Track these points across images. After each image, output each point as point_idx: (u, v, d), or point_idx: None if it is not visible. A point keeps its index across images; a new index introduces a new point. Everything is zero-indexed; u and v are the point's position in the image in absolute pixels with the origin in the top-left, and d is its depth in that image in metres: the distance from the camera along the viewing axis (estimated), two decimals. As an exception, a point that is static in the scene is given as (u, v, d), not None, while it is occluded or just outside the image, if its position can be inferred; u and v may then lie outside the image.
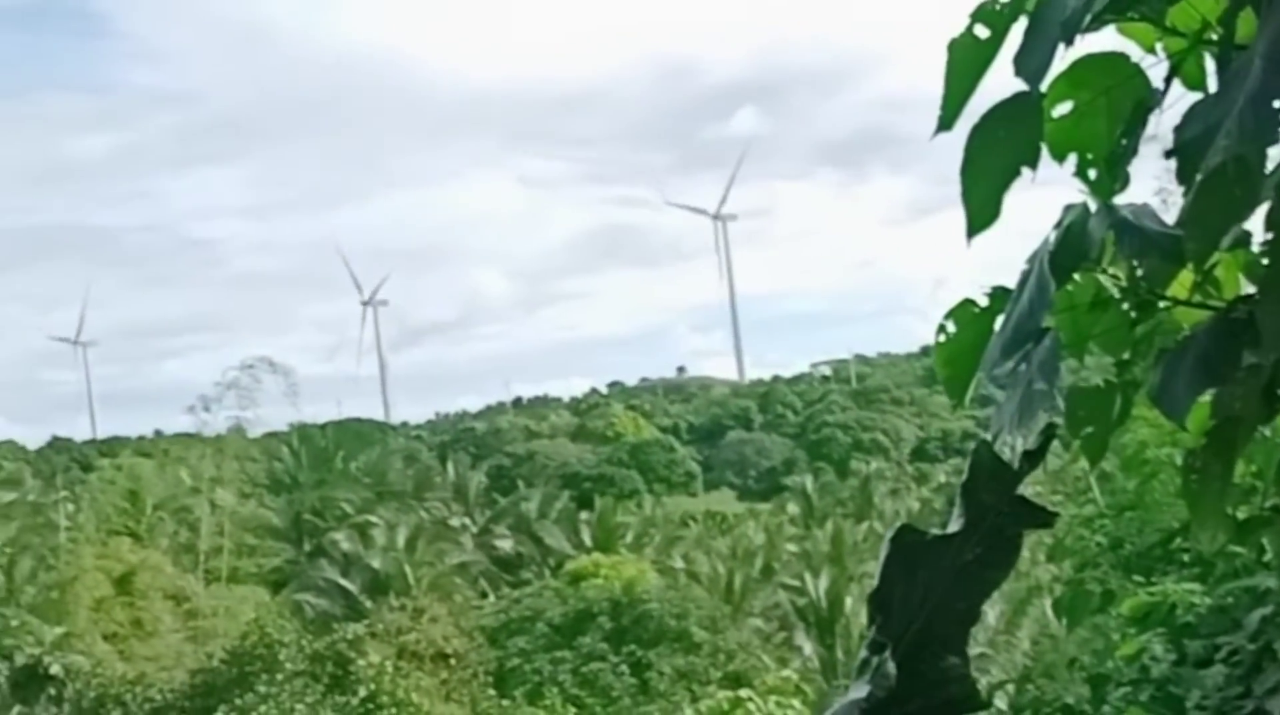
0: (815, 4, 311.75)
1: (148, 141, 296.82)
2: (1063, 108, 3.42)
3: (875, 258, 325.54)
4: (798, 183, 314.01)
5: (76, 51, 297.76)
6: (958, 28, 3.41)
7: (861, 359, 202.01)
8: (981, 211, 3.44)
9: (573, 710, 37.38)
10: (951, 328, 3.75)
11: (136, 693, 39.37)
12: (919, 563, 3.16)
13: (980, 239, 3.51)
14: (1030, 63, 3.26)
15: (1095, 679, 17.34)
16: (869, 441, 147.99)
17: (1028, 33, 3.28)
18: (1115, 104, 3.40)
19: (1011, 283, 3.57)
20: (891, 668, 3.01)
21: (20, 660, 39.43)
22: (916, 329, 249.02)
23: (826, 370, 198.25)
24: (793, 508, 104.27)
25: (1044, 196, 3.69)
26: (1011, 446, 3.27)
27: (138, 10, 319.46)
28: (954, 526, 3.17)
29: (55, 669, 39.69)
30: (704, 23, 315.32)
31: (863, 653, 3.19)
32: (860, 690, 3.06)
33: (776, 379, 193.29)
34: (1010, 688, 32.30)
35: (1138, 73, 3.40)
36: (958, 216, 3.46)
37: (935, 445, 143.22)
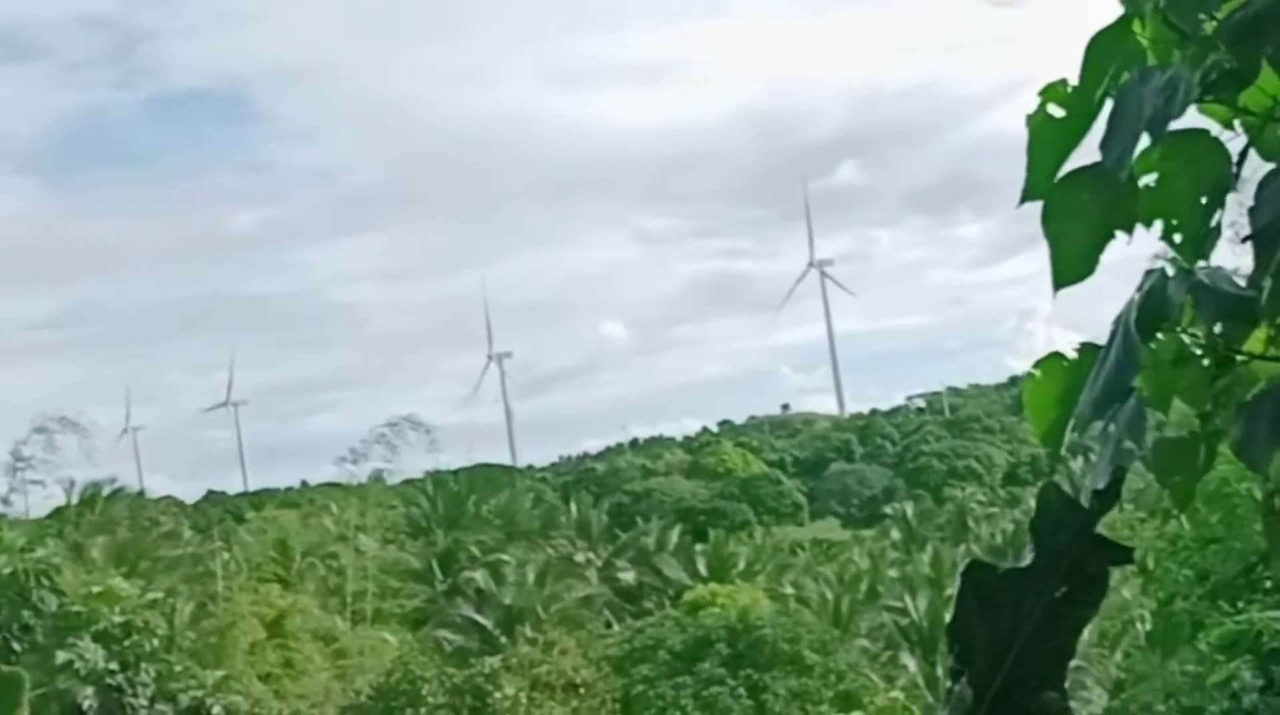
0: (902, 60, 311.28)
1: (293, 214, 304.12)
2: (1149, 178, 3.47)
3: (963, 295, 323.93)
4: (891, 229, 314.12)
5: (231, 136, 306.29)
6: (1037, 77, 3.52)
7: (953, 391, 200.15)
8: (1069, 266, 3.54)
9: (695, 733, 37.17)
10: (1039, 376, 3.77)
11: (292, 728, 39.84)
12: (992, 596, 3.16)
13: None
14: (1114, 151, 3.37)
15: (1189, 712, 17.00)
16: (963, 468, 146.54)
17: (1110, 122, 3.40)
18: (1198, 175, 3.49)
19: (1094, 313, 3.62)
20: (969, 692, 3.03)
21: (185, 702, 39.96)
22: (1004, 360, 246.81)
23: (921, 402, 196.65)
24: (894, 533, 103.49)
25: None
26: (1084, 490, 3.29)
27: (285, 94, 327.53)
28: (1025, 561, 3.18)
29: (216, 710, 40.19)
30: (802, 81, 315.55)
31: (947, 682, 3.21)
32: (948, 718, 3.09)
33: (875, 412, 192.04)
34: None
35: (1218, 147, 3.49)
36: (1038, 255, 3.54)
37: (1025, 470, 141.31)
